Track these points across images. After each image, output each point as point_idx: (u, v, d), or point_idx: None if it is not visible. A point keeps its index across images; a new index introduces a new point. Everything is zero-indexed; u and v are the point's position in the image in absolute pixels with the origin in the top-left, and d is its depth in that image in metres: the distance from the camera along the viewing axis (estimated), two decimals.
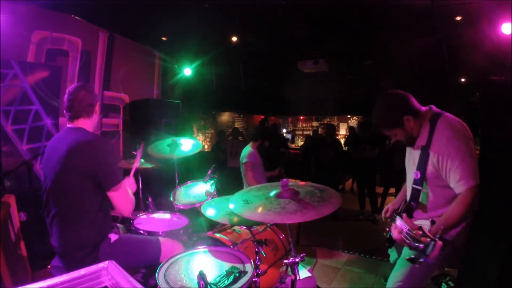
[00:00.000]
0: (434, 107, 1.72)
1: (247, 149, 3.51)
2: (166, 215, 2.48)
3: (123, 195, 1.66)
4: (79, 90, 1.70)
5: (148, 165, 2.70)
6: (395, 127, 1.69)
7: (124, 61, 4.80)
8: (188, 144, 2.73)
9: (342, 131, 11.78)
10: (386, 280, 2.55)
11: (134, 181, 1.96)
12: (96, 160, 1.58)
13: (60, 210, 1.59)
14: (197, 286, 1.20)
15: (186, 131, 6.58)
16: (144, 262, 1.78)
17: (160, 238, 1.88)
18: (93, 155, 1.58)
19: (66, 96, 1.71)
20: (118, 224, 2.12)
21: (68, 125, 1.72)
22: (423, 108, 1.72)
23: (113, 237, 1.71)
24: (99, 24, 4.36)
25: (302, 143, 10.57)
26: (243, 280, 1.37)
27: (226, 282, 1.35)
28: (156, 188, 3.34)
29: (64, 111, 1.75)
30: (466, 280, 2.47)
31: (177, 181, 2.70)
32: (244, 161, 3.43)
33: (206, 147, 9.06)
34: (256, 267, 1.57)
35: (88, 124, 1.73)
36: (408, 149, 1.83)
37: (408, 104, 1.68)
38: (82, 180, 1.57)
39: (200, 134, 9.30)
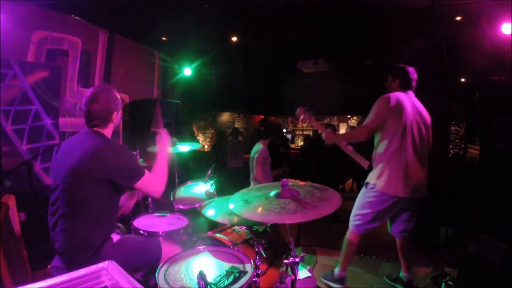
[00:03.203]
0: (405, 91, 2.50)
1: (259, 146, 3.56)
2: (166, 215, 2.47)
3: (149, 182, 1.72)
4: (90, 103, 1.68)
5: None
6: (389, 75, 2.61)
7: (124, 61, 4.80)
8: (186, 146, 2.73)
9: (342, 131, 11.78)
10: (388, 279, 2.65)
11: (166, 133, 2.03)
12: (115, 165, 1.59)
13: (68, 211, 1.58)
14: (197, 286, 1.19)
15: (186, 133, 6.58)
16: (144, 263, 1.78)
17: (161, 240, 1.88)
18: (111, 160, 1.58)
19: (83, 102, 1.71)
20: (119, 224, 2.12)
21: (86, 129, 1.73)
22: (407, 91, 2.50)
23: (115, 237, 1.71)
24: (99, 24, 4.36)
25: (302, 143, 10.57)
26: (243, 280, 1.37)
27: (226, 282, 1.35)
28: None
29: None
30: (466, 280, 2.47)
31: (177, 181, 2.69)
32: (256, 156, 3.48)
33: (206, 147, 9.07)
34: (256, 267, 1.57)
35: (103, 130, 1.73)
36: None
37: (405, 78, 2.52)
38: (95, 184, 1.57)
39: (200, 134, 9.31)
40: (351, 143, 2.65)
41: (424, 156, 2.43)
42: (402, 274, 2.69)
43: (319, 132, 2.73)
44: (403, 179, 2.34)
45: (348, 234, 2.63)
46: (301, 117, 2.65)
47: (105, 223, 1.63)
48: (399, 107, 2.36)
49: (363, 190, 2.58)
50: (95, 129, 1.71)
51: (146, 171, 1.73)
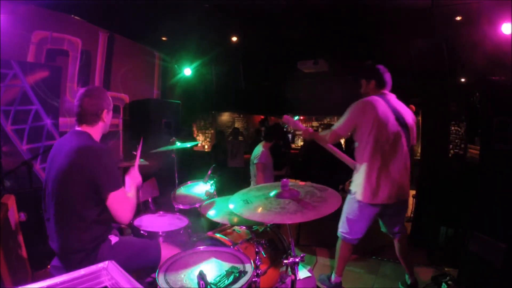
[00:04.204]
0: (382, 93, 2.45)
1: (259, 149, 3.49)
2: (166, 215, 2.48)
3: (121, 201, 1.59)
4: (83, 97, 1.68)
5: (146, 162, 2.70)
6: (361, 78, 2.59)
7: (124, 61, 4.80)
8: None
9: None
10: (403, 284, 2.59)
11: (139, 173, 1.90)
12: (94, 165, 1.55)
13: (58, 213, 1.56)
14: (197, 286, 1.19)
15: (185, 133, 6.56)
16: (144, 265, 1.77)
17: (161, 241, 1.87)
18: (91, 160, 1.55)
19: (76, 99, 1.71)
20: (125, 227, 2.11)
21: (76, 128, 1.72)
22: (384, 90, 2.47)
23: (114, 239, 1.70)
24: (99, 24, 4.36)
25: (302, 143, 10.57)
26: (243, 280, 1.37)
27: (226, 282, 1.35)
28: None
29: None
30: (466, 280, 2.47)
31: (177, 181, 2.69)
32: (255, 161, 3.42)
33: (206, 147, 9.07)
34: (256, 267, 1.57)
35: (92, 130, 1.71)
36: None
37: (380, 76, 2.48)
38: (81, 185, 1.54)
39: (200, 134, 9.31)
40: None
41: (403, 158, 2.36)
42: (407, 278, 2.67)
43: (299, 130, 2.84)
44: (382, 185, 2.32)
45: (340, 244, 2.58)
46: (289, 122, 2.68)
47: (95, 227, 1.59)
48: (372, 113, 2.30)
49: (348, 197, 2.52)
50: (83, 127, 1.69)
51: (123, 187, 1.63)
